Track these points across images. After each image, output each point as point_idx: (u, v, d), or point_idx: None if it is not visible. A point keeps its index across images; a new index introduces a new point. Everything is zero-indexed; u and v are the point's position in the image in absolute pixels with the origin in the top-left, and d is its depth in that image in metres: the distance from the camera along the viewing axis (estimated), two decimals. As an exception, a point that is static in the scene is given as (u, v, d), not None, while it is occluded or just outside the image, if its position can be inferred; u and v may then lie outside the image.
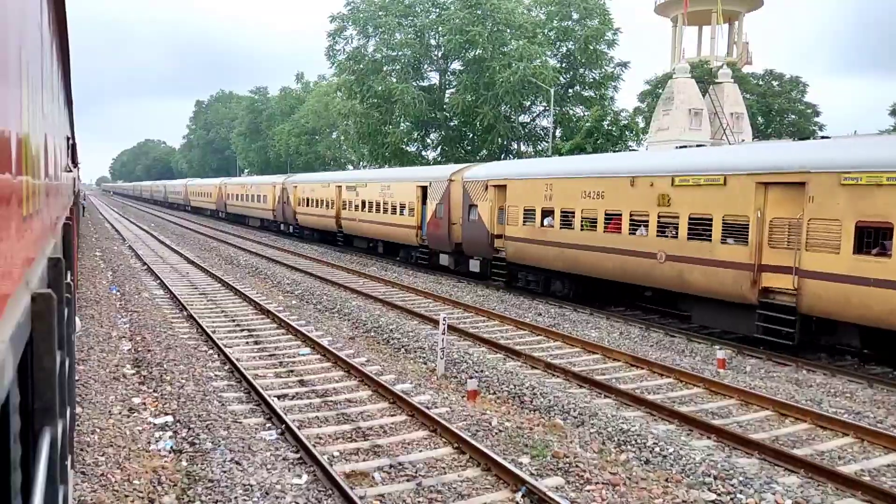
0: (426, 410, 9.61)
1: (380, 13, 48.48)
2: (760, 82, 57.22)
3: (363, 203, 32.28)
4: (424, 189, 26.90)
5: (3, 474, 1.57)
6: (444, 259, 25.75)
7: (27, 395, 1.97)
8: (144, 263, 27.22)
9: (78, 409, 9.12)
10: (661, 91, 48.63)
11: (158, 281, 22.57)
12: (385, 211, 29.96)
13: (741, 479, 7.56)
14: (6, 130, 1.53)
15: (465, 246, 24.12)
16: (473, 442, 8.44)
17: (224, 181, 64.49)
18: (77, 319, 10.83)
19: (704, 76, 48.33)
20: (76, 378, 9.39)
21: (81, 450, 7.99)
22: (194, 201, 76.02)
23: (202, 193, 71.83)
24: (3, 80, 1.50)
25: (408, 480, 7.65)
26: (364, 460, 8.24)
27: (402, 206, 28.41)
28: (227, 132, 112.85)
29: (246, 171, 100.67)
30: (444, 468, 8.02)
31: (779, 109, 56.35)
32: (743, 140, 40.10)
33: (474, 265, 23.79)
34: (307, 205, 39.80)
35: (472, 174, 24.28)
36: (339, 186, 35.41)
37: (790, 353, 13.69)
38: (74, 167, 14.70)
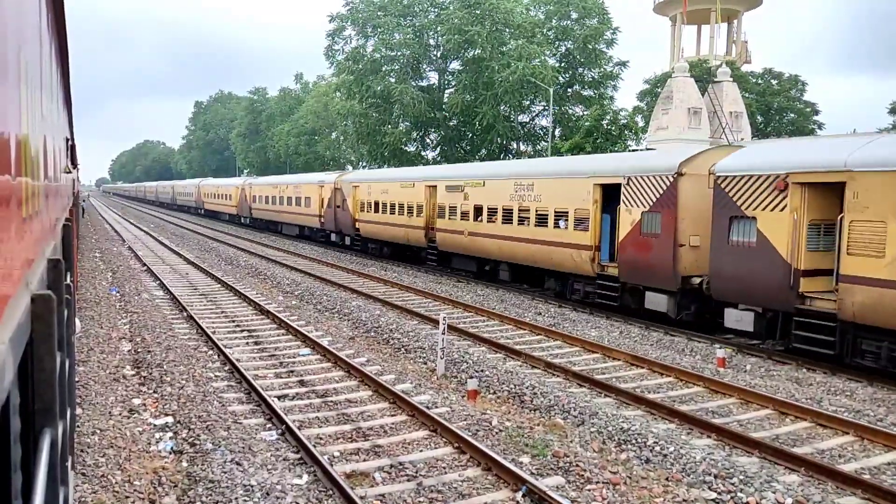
0: (426, 410, 9.61)
1: (379, 13, 48.54)
2: (759, 81, 57.23)
3: (477, 209, 23.23)
4: (610, 189, 17.71)
5: (4, 475, 1.57)
6: (656, 300, 16.30)
7: (27, 397, 1.98)
8: (144, 264, 27.23)
9: (78, 411, 9.12)
10: (660, 90, 48.64)
11: (158, 282, 22.56)
12: (522, 221, 20.79)
13: (741, 477, 7.56)
14: (5, 132, 1.53)
15: (717, 284, 14.76)
16: (474, 442, 8.44)
17: (249, 181, 54.66)
18: (77, 321, 10.84)
19: (703, 75, 48.34)
20: (76, 379, 9.39)
21: (82, 451, 7.99)
22: (209, 204, 67.33)
23: (219, 195, 62.96)
24: (2, 81, 1.51)
25: (408, 480, 7.66)
26: (364, 460, 8.24)
27: (561, 216, 19.08)
28: (226, 133, 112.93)
29: (246, 171, 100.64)
30: (444, 468, 8.03)
31: (778, 108, 56.37)
32: (742, 139, 40.07)
33: (738, 318, 14.41)
34: (375, 210, 30.95)
35: (737, 163, 14.54)
36: (433, 186, 26.66)
37: None
38: (74, 168, 14.70)
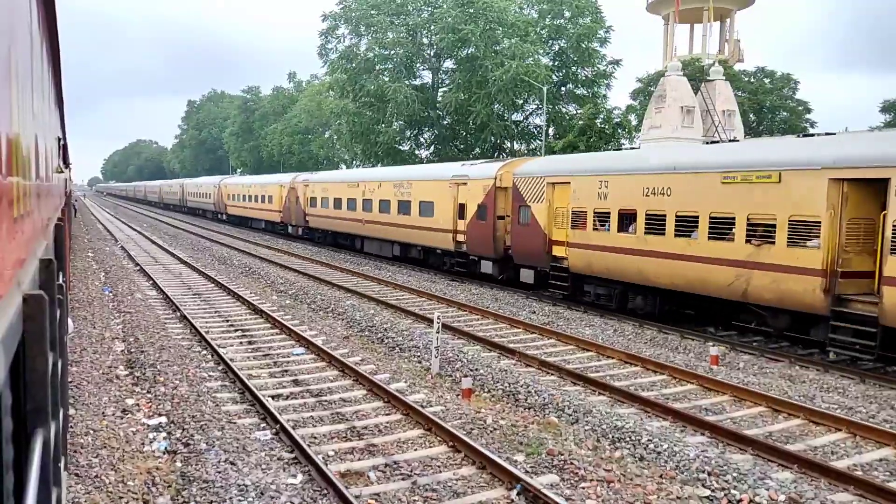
0: (421, 409, 9.61)
1: (372, 12, 48.48)
2: (752, 80, 57.40)
3: None
4: None
5: (-4, 476, 1.57)
6: None
7: (19, 397, 1.97)
8: (137, 264, 27.13)
9: (71, 411, 9.09)
10: (653, 89, 48.75)
11: (151, 281, 22.48)
12: None
13: (735, 474, 7.59)
14: (-4, 131, 1.52)
15: None
16: (468, 440, 8.45)
17: (304, 179, 40.12)
18: (70, 321, 10.79)
19: (696, 74, 48.47)
20: (69, 379, 9.35)
21: (75, 451, 7.96)
22: (235, 208, 54.63)
23: (251, 197, 50.11)
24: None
25: (403, 479, 7.66)
26: (359, 459, 8.23)
27: None
28: (219, 132, 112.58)
29: (239, 170, 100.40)
30: (439, 467, 8.03)
31: (770, 107, 56.50)
32: (735, 138, 40.17)
33: None
34: (679, 228, 15.48)
35: None
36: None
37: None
38: (66, 168, 14.63)
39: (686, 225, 15.29)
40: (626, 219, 16.97)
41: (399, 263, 28.92)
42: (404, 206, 27.63)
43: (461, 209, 23.92)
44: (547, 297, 15.61)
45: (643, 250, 16.28)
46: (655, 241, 15.96)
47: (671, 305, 16.62)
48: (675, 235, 15.49)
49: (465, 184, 23.80)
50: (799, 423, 9.82)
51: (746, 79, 56.49)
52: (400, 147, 52.44)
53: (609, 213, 17.41)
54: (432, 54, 50.82)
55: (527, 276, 20.74)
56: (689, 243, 15.16)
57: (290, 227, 42.37)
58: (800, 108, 57.62)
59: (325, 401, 10.45)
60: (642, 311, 17.03)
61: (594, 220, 17.89)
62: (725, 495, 7.24)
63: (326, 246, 36.53)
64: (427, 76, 52.49)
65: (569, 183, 18.91)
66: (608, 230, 17.40)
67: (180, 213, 75.44)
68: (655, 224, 15.99)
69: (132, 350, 13.23)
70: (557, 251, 19.26)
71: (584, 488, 7.46)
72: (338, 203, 34.28)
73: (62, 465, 3.93)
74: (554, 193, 19.43)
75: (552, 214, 19.46)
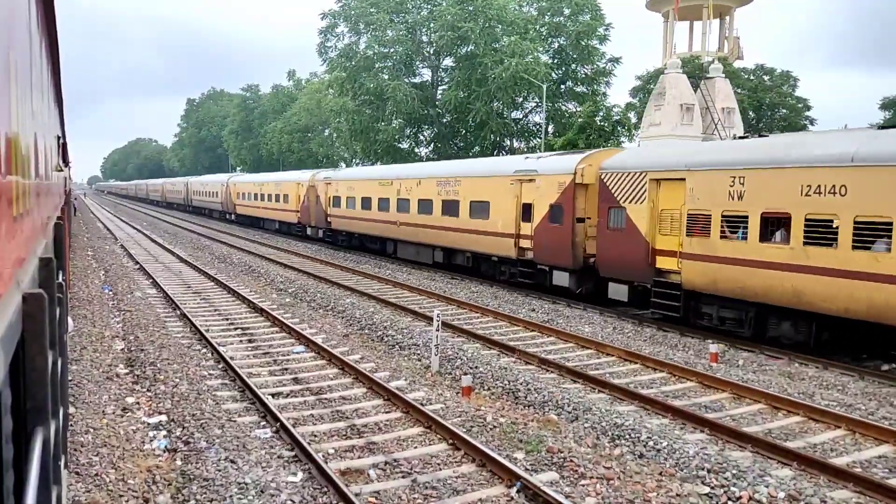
0: (421, 407, 9.62)
1: (371, 10, 48.44)
2: (751, 77, 57.36)
3: None
4: None
5: (-4, 475, 1.57)
6: None
7: (19, 396, 1.97)
8: (137, 263, 27.13)
9: (71, 409, 9.10)
10: (652, 86, 48.74)
11: (151, 280, 22.48)
12: None
13: (734, 472, 7.60)
14: (-5, 130, 1.53)
15: None
16: (468, 438, 8.45)
17: (326, 176, 36.52)
18: (70, 319, 10.80)
19: (696, 71, 48.45)
20: (69, 378, 9.36)
21: (75, 450, 7.97)
22: (245, 208, 50.96)
23: (263, 196, 46.07)
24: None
25: (403, 477, 7.67)
26: (359, 457, 8.24)
27: None
28: (218, 130, 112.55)
29: (238, 168, 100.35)
30: (439, 464, 8.04)
31: (770, 104, 56.48)
32: (735, 135, 40.14)
33: None
34: None
35: None
36: None
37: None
38: (65, 166, 14.63)
39: (870, 234, 11.82)
40: (773, 224, 13.45)
41: (400, 262, 28.87)
42: (450, 207, 24.02)
43: (526, 210, 20.51)
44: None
45: (802, 265, 12.70)
46: (821, 255, 12.39)
47: (832, 334, 13.18)
48: (853, 247, 11.92)
49: (532, 180, 20.29)
50: (798, 420, 9.83)
51: (746, 76, 56.48)
52: (399, 145, 52.45)
53: (746, 216, 13.82)
54: (432, 52, 50.79)
55: (618, 291, 17.25)
56: (877, 258, 11.62)
57: (308, 229, 38.82)
58: (799, 105, 57.61)
59: (325, 399, 10.46)
60: (789, 340, 13.65)
61: (722, 226, 14.38)
62: (725, 492, 7.25)
63: (351, 250, 33.48)
64: (426, 74, 52.50)
65: (683, 179, 15.30)
66: (744, 238, 13.88)
67: (184, 212, 72.52)
68: (821, 232, 12.48)
69: (132, 348, 13.24)
70: (664, 263, 15.82)
71: (583, 486, 7.47)
72: (366, 203, 30.77)
73: (62, 463, 3.94)
74: (659, 192, 15.96)
75: (656, 218, 16.00)
